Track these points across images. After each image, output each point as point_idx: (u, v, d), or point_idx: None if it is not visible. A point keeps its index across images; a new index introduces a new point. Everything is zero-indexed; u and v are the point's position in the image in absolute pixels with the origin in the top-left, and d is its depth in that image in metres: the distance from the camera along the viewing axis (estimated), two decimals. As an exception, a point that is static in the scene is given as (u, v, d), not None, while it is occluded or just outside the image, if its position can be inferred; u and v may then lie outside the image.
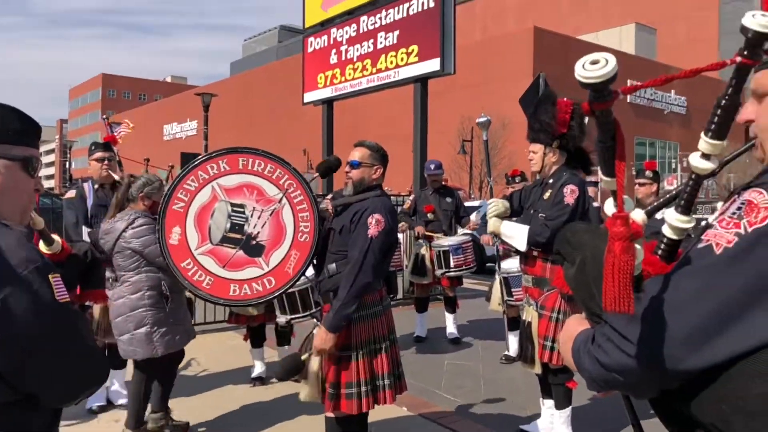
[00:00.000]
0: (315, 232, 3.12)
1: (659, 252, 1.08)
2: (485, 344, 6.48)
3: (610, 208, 1.07)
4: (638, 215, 1.16)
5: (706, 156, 1.02)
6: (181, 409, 4.11)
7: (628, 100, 44.26)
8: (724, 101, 1.00)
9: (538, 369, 3.65)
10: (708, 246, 0.98)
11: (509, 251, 5.50)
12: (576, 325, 1.26)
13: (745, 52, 0.96)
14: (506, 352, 5.90)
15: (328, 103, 11.26)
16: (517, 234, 3.62)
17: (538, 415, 4.07)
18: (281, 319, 4.20)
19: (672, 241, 1.06)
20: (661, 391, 1.04)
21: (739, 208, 0.98)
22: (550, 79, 4.39)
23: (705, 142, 1.01)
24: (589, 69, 0.90)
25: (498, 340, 6.42)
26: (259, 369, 5.17)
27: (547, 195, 3.60)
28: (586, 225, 1.45)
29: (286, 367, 3.12)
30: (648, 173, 5.10)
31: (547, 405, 3.91)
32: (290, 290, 3.59)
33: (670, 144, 48.83)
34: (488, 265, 10.23)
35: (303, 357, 3.07)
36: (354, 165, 3.15)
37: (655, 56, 54.57)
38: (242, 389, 4.96)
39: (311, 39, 11.42)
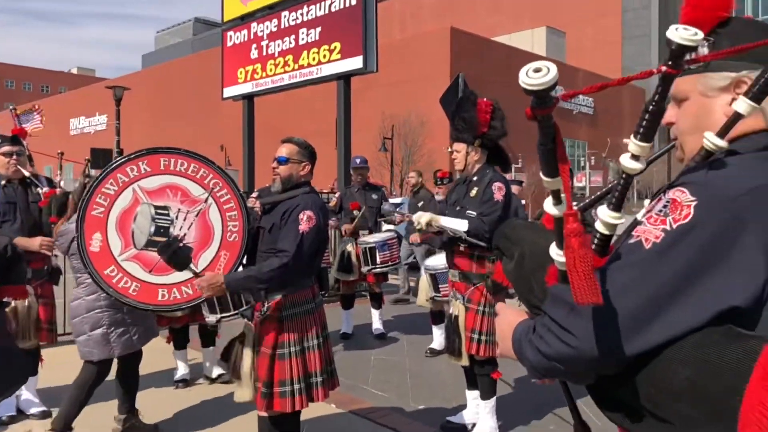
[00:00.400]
0: (244, 232, 3.08)
1: (593, 247, 1.13)
2: (410, 339, 6.59)
3: (549, 207, 1.12)
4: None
5: (635, 157, 1.08)
6: (103, 413, 3.96)
7: (540, 100, 45.90)
8: (651, 107, 1.07)
9: (465, 361, 3.76)
10: (638, 241, 1.06)
11: (434, 249, 5.62)
12: (514, 316, 1.31)
13: (669, 63, 1.03)
14: (431, 346, 6.02)
15: (249, 98, 11.06)
16: (455, 222, 3.70)
17: (464, 406, 4.19)
18: (211, 318, 4.10)
19: (604, 236, 1.12)
20: (596, 376, 1.11)
21: (665, 206, 1.06)
22: (468, 78, 4.53)
23: (634, 144, 1.08)
24: (532, 77, 0.94)
25: (422, 334, 6.54)
26: (182, 371, 5.04)
27: (473, 192, 3.72)
28: (524, 221, 1.52)
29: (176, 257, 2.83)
30: (563, 171, 5.35)
31: (473, 396, 4.03)
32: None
33: (578, 143, 51.20)
34: (411, 260, 10.37)
35: (193, 269, 2.84)
36: (281, 161, 3.12)
37: (564, 58, 57.03)
38: (166, 392, 4.82)
39: (230, 33, 11.17)
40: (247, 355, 3.05)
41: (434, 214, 3.88)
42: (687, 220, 1.02)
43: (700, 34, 1.02)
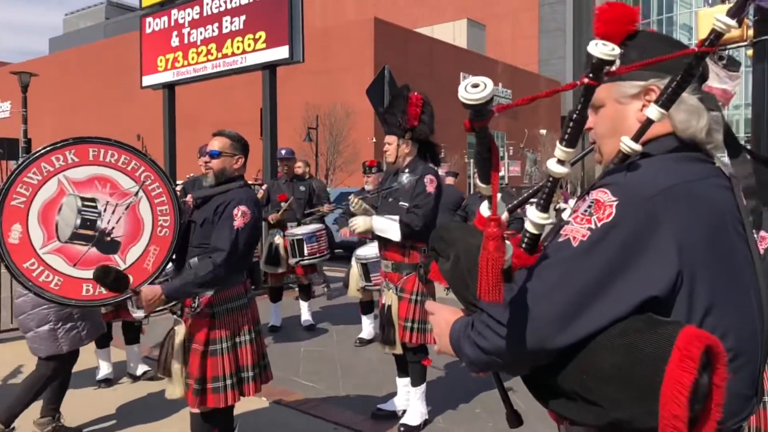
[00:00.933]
0: (175, 226, 3.03)
1: (523, 245, 1.20)
2: (339, 329, 6.64)
3: (485, 210, 1.20)
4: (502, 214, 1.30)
5: (561, 162, 1.17)
6: (19, 419, 3.79)
7: (462, 92, 46.93)
8: (575, 115, 1.15)
9: (399, 350, 3.85)
10: (566, 240, 1.15)
11: (365, 239, 5.69)
12: (450, 314, 1.37)
13: (591, 75, 1.12)
14: (360, 336, 6.10)
15: (170, 87, 10.71)
16: (388, 227, 3.77)
17: (394, 394, 4.29)
18: (138, 313, 4.00)
19: (534, 235, 1.19)
20: (531, 366, 1.20)
21: (589, 206, 1.16)
22: (391, 69, 4.62)
23: (560, 150, 1.16)
24: (470, 92, 1.01)
25: (351, 324, 6.61)
26: (105, 370, 4.88)
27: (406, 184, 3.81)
28: (457, 223, 1.60)
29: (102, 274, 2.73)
30: (486, 163, 5.51)
31: (403, 383, 4.14)
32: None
33: (497, 133, 52.59)
34: (337, 251, 10.42)
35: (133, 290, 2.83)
36: (214, 155, 3.09)
37: (485, 51, 58.30)
38: (88, 393, 4.66)
39: (149, 19, 10.75)
40: (178, 351, 3.02)
41: (366, 205, 3.95)
42: (610, 219, 1.12)
43: (618, 50, 1.12)
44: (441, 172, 4.51)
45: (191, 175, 11.09)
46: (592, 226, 1.13)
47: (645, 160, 1.23)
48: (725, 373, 1.02)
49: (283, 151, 6.94)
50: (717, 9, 6.80)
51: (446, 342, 1.32)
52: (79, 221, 2.83)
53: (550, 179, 1.20)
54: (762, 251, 2.57)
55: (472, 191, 20.25)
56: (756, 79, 6.05)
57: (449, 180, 8.58)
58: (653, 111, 1.22)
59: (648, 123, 1.24)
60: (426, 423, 3.99)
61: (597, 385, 1.09)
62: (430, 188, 3.74)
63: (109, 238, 2.88)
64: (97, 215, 2.86)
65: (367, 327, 6.10)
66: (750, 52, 6.47)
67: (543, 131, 48.02)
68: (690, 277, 1.12)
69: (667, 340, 1.02)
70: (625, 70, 1.22)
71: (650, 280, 1.10)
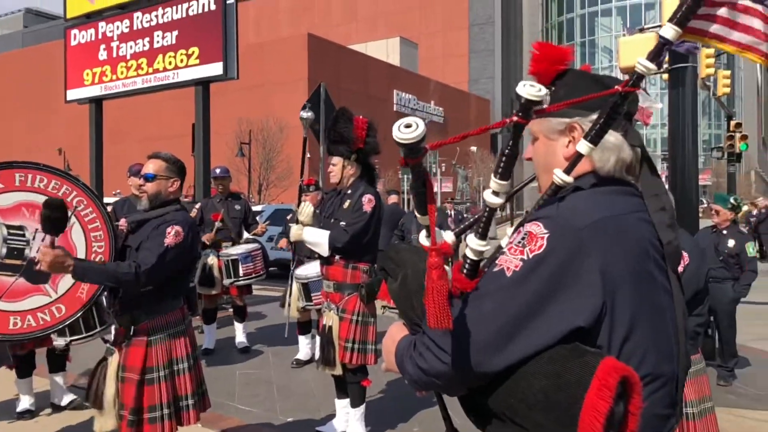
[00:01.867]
0: (110, 252, 2.94)
1: (464, 271, 1.26)
2: (275, 350, 6.55)
3: (423, 239, 1.25)
4: (449, 237, 1.36)
5: (496, 193, 1.23)
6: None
7: (394, 109, 47.59)
8: (507, 150, 1.23)
9: (338, 370, 3.85)
10: (501, 270, 1.21)
11: (303, 258, 5.66)
12: (397, 332, 1.42)
13: (519, 114, 1.20)
14: (297, 357, 6.03)
15: (97, 102, 10.36)
16: (319, 240, 3.81)
17: (332, 416, 4.27)
18: (59, 341, 3.81)
19: (473, 261, 1.26)
20: (467, 389, 1.25)
21: (523, 238, 1.22)
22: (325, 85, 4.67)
23: (495, 183, 1.23)
24: (404, 132, 1.07)
25: (287, 345, 6.53)
26: (25, 403, 4.60)
27: (346, 204, 3.85)
28: (407, 245, 1.65)
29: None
30: (420, 182, 5.60)
31: (342, 404, 4.13)
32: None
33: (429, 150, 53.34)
34: (271, 269, 10.31)
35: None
36: (149, 178, 3.02)
37: (417, 68, 59.30)
38: (5, 426, 4.39)
39: (75, 31, 10.39)
40: (111, 381, 2.91)
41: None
42: (541, 251, 1.18)
43: (544, 90, 1.20)
44: (379, 188, 4.58)
45: (118, 191, 10.75)
46: (525, 257, 1.19)
47: (577, 193, 1.30)
48: (640, 402, 1.10)
49: (218, 170, 6.83)
50: (635, 38, 7.28)
51: (392, 359, 1.37)
52: (5, 251, 2.71)
53: (487, 209, 1.26)
54: (681, 268, 2.76)
55: (407, 208, 20.47)
56: (671, 102, 6.49)
57: (393, 198, 8.66)
58: (583, 146, 1.30)
59: (578, 157, 1.31)
60: (365, 443, 3.99)
61: (524, 409, 1.15)
62: (367, 207, 3.80)
63: (38, 267, 2.76)
64: (25, 243, 2.74)
65: (304, 348, 6.04)
66: (666, 76, 6.93)
67: (474, 148, 49.19)
68: (611, 306, 1.19)
69: (589, 369, 1.09)
70: (556, 108, 1.30)
71: (577, 311, 1.16)
